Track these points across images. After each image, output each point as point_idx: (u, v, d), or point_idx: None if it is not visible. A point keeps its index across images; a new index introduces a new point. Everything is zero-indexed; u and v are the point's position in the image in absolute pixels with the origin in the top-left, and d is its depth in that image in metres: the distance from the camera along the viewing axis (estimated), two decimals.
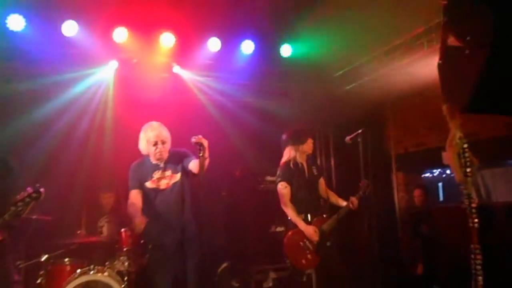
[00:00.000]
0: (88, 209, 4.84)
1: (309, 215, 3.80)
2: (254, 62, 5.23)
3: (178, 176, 3.46)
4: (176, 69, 5.24)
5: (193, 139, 3.13)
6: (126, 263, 4.18)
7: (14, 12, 4.19)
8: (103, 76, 4.96)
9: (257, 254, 5.14)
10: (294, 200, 3.80)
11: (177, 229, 3.32)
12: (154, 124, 3.50)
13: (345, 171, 5.61)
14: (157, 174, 3.42)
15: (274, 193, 5.10)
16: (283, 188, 3.82)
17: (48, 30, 4.35)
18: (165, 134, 3.47)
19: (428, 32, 4.13)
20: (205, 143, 3.11)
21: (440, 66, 2.07)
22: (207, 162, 3.26)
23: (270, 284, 4.97)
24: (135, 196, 3.41)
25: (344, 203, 3.88)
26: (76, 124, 4.99)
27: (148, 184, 3.42)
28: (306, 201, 3.84)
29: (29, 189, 2.64)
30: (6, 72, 4.49)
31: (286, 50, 5.22)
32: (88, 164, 5.01)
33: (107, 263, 4.20)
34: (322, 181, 4.05)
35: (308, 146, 3.96)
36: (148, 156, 3.49)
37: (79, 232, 4.41)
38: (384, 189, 5.76)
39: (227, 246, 5.40)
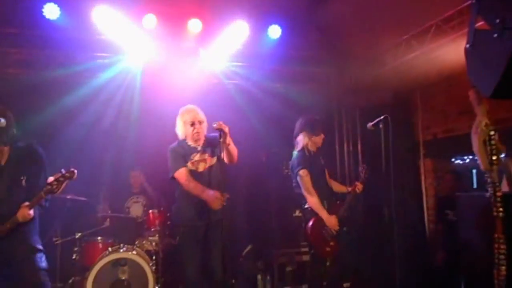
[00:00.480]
0: (116, 190, 5.06)
1: (325, 202, 3.88)
2: (281, 47, 5.22)
3: (214, 160, 3.44)
4: (203, 54, 5.30)
5: (214, 125, 3.18)
6: (154, 243, 4.38)
7: (50, 1, 4.33)
8: (131, 62, 5.07)
9: (281, 238, 5.20)
10: (314, 187, 3.85)
11: (207, 212, 3.29)
12: (190, 106, 3.54)
13: (372, 156, 5.57)
14: (196, 157, 3.41)
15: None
16: (305, 175, 3.84)
17: (80, 18, 4.48)
18: (202, 115, 3.49)
19: (459, 14, 3.99)
20: (226, 128, 3.14)
21: (467, 50, 2.02)
22: (233, 148, 3.26)
23: (294, 267, 5.05)
24: (185, 174, 3.33)
25: (349, 189, 4.02)
26: (105, 109, 5.17)
27: (189, 165, 3.40)
28: (322, 188, 3.92)
29: (63, 170, 2.80)
30: (40, 60, 4.70)
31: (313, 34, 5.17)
32: (116, 148, 5.19)
33: (136, 242, 4.41)
34: (326, 171, 4.14)
35: (320, 139, 4.02)
36: (185, 140, 3.50)
37: (109, 211, 4.62)
38: (411, 176, 5.67)
39: (253, 229, 5.51)
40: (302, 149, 3.99)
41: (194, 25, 4.82)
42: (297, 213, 5.25)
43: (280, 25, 5.07)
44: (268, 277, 5.00)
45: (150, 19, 4.67)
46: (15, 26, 4.44)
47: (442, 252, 4.76)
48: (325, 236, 3.83)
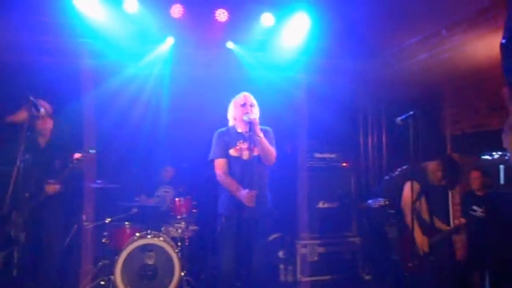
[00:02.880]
0: (148, 177, 5.20)
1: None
2: (307, 37, 5.18)
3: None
4: (230, 45, 5.33)
5: (245, 117, 3.20)
6: (180, 230, 4.48)
7: None
8: (160, 52, 5.14)
9: (304, 228, 5.23)
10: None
11: (255, 200, 3.15)
12: (243, 92, 3.50)
13: (397, 149, 5.53)
14: (240, 144, 3.33)
15: (323, 170, 5.14)
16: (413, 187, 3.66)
17: (112, 7, 4.56)
18: (254, 101, 3.45)
19: (493, 7, 3.88)
20: (255, 119, 3.15)
21: (503, 46, 1.98)
22: (265, 143, 3.21)
23: (316, 258, 5.08)
24: (223, 166, 3.32)
25: (446, 227, 4.09)
26: (136, 98, 5.29)
27: (232, 152, 3.33)
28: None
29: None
30: (75, 49, 4.81)
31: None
32: (146, 136, 5.33)
33: (162, 228, 4.53)
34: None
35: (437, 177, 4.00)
36: (234, 126, 3.45)
37: (137, 199, 4.76)
38: None
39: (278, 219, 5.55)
40: (427, 169, 4.00)
41: (221, 15, 4.85)
42: (321, 204, 5.29)
43: (307, 15, 5.03)
44: (290, 267, 5.05)
45: (178, 9, 4.71)
46: (47, 15, 4.55)
47: (464, 248, 4.71)
48: (412, 252, 3.82)
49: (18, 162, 2.92)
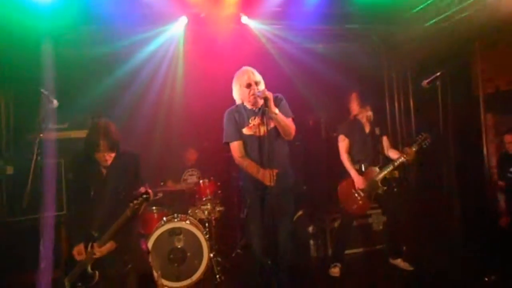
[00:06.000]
0: (172, 162, 5.19)
1: (363, 166, 4.27)
2: (324, 4, 4.94)
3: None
4: (244, 19, 5.16)
5: (258, 94, 3.06)
6: (206, 212, 4.47)
7: None
8: (174, 32, 5.06)
9: (331, 202, 5.11)
10: (351, 152, 4.31)
11: (276, 178, 3.00)
12: (245, 68, 3.33)
13: (426, 113, 5.26)
14: (254, 120, 3.22)
15: None
16: (341, 140, 4.36)
17: None
18: (258, 76, 3.28)
19: None
20: (270, 95, 2.97)
21: None
22: (282, 119, 3.06)
23: None
24: (238, 148, 3.21)
25: (397, 156, 4.18)
26: (151, 81, 5.25)
27: (245, 131, 3.23)
28: (362, 154, 4.29)
29: (142, 189, 2.79)
30: (85, 36, 4.77)
31: None
32: (164, 118, 5.30)
33: (189, 211, 4.53)
34: (385, 140, 4.42)
35: (368, 112, 4.35)
36: (242, 103, 3.32)
37: (162, 183, 4.76)
38: (470, 133, 5.30)
39: (302, 194, 5.45)
40: (349, 118, 4.40)
41: None
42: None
43: None
44: (320, 242, 4.98)
45: None
46: None
47: (505, 215, 4.47)
48: (354, 195, 4.21)
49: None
